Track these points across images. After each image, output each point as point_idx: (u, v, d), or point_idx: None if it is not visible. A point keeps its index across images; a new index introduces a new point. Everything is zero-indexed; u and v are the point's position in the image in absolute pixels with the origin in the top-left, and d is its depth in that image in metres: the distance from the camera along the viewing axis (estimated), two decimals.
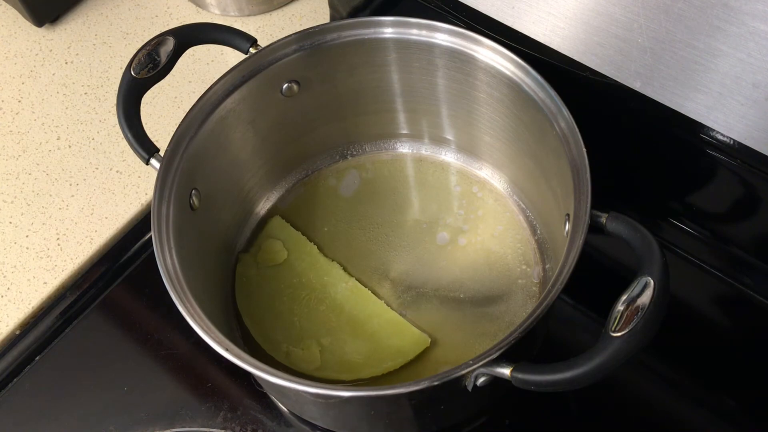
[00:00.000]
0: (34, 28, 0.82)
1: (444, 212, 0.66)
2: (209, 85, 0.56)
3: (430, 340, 0.59)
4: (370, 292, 0.61)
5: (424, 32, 0.57)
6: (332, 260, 0.63)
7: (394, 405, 0.51)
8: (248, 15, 0.81)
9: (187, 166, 0.54)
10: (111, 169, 0.72)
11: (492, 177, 0.66)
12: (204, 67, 0.78)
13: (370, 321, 0.60)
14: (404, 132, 0.68)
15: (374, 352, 0.59)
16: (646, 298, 0.41)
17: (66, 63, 0.80)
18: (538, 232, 0.63)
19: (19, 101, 0.77)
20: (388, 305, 0.61)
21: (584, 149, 0.49)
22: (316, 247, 0.64)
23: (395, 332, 0.60)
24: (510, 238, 0.63)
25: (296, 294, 0.62)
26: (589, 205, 0.47)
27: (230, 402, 0.60)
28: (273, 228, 0.65)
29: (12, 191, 0.71)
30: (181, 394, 0.61)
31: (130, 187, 0.71)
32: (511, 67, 0.55)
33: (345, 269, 0.63)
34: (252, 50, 0.58)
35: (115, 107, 0.55)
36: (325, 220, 0.66)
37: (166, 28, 0.58)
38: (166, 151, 0.54)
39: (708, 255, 0.63)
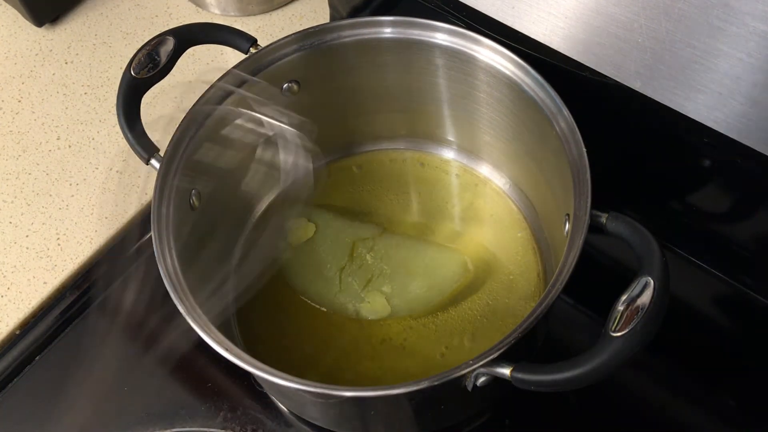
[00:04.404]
0: (34, 28, 0.82)
1: (444, 212, 0.66)
2: (209, 85, 0.56)
3: (468, 260, 0.61)
4: (405, 236, 0.63)
5: (424, 32, 0.57)
6: (355, 220, 0.64)
7: (394, 405, 0.50)
8: (248, 15, 0.81)
9: (187, 166, 0.54)
10: (111, 169, 0.72)
11: (492, 177, 0.66)
12: (204, 67, 0.78)
13: (419, 257, 0.61)
14: (404, 132, 0.68)
15: (434, 282, 0.60)
16: (646, 298, 0.41)
17: (66, 63, 0.80)
18: (538, 232, 0.63)
19: (19, 101, 0.77)
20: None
21: (584, 149, 0.49)
22: (337, 213, 0.64)
23: (445, 260, 0.61)
24: (510, 238, 0.63)
25: (339, 257, 0.62)
26: (589, 205, 0.47)
27: (230, 402, 0.60)
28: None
29: (12, 191, 0.71)
30: (180, 395, 0.61)
31: (130, 187, 0.71)
32: (511, 67, 0.55)
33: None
34: (252, 50, 0.58)
35: (115, 107, 0.55)
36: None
37: (166, 28, 0.58)
38: (166, 151, 0.54)
39: (708, 255, 0.63)
